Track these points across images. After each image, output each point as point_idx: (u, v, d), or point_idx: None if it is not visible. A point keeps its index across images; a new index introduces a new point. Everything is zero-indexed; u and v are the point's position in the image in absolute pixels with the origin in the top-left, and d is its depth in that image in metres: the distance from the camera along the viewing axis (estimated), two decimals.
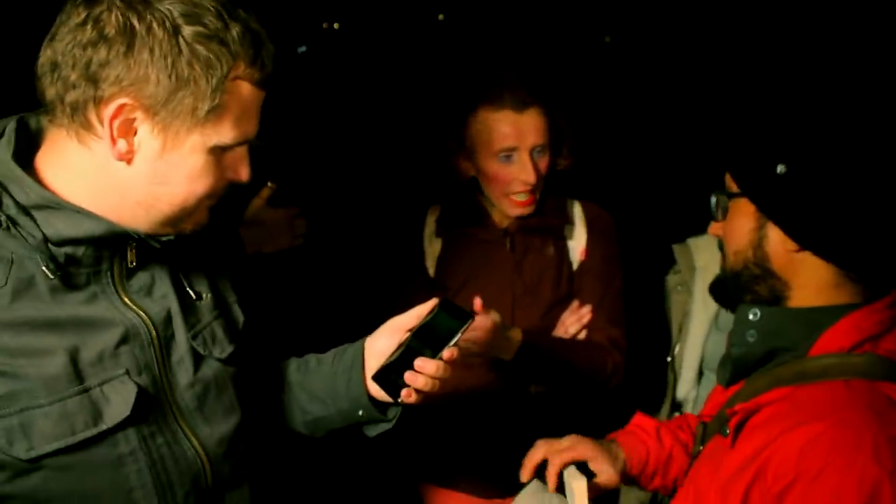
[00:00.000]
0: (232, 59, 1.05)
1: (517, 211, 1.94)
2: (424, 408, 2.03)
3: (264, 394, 1.41)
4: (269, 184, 2.08)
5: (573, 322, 1.98)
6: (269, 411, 1.45)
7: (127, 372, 1.13)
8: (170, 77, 1.02)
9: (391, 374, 1.30)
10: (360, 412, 1.38)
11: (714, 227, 1.29)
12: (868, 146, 1.09)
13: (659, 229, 2.36)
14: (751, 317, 1.17)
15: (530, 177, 1.86)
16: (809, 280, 1.16)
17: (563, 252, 2.01)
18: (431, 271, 2.01)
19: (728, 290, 1.25)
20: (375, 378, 1.31)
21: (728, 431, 1.15)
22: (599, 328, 1.97)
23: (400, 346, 1.32)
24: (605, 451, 1.49)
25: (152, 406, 1.15)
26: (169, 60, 1.01)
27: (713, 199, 1.26)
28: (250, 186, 2.09)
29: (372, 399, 1.37)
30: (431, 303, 1.35)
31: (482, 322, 1.72)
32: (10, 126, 1.11)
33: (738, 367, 1.21)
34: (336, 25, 5.70)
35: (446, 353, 1.30)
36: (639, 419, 1.57)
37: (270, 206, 1.99)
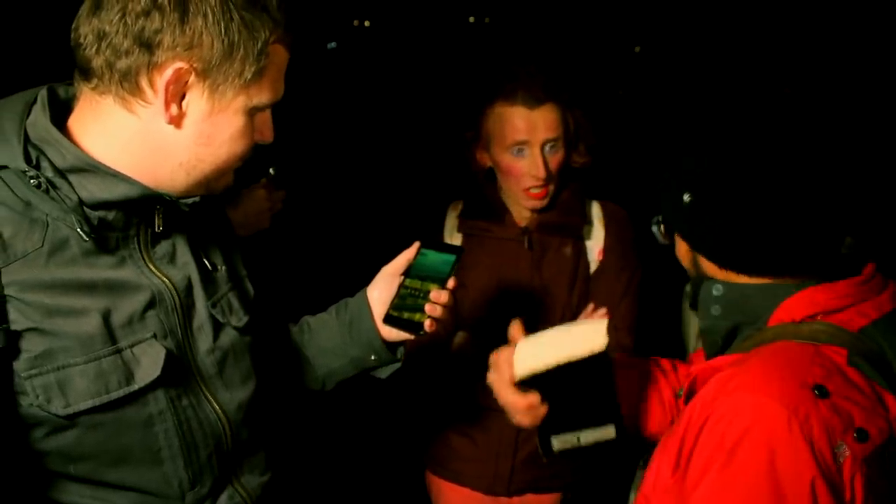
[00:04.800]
0: (273, 25, 1.10)
1: (531, 203, 1.95)
2: (436, 403, 2.07)
3: (276, 361, 1.47)
4: (270, 170, 2.13)
5: None
6: (282, 376, 1.50)
7: (154, 335, 1.16)
8: (223, 42, 1.06)
9: (403, 314, 1.41)
10: (373, 356, 1.48)
11: None
12: (764, 171, 1.10)
13: None
14: (714, 292, 1.21)
15: (540, 171, 1.87)
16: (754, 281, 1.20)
17: (581, 252, 2.01)
18: None
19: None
20: (388, 320, 1.42)
21: (681, 393, 1.21)
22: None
23: (400, 287, 1.43)
24: None
25: (178, 369, 1.18)
26: (222, 26, 1.05)
27: (653, 228, 1.30)
28: (252, 171, 2.15)
29: (383, 342, 1.47)
30: (415, 246, 1.48)
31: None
32: (42, 93, 1.13)
33: (708, 342, 1.24)
34: (367, 23, 5.75)
35: (450, 282, 1.41)
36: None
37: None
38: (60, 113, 1.14)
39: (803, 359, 1.07)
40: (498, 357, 1.42)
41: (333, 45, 5.84)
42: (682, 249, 1.26)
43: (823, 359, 1.07)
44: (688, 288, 2.23)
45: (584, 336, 1.33)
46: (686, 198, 1.15)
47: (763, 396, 1.02)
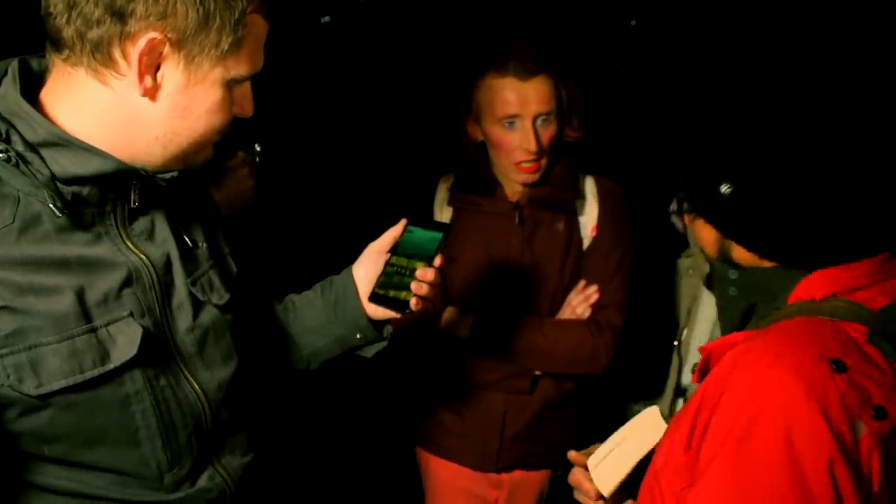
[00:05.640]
0: None
1: (522, 178, 1.92)
2: (426, 379, 2.06)
3: (258, 339, 1.44)
4: (256, 146, 2.10)
5: (580, 302, 1.97)
6: (265, 355, 1.48)
7: (131, 314, 1.13)
8: (198, 11, 1.03)
9: (389, 292, 1.40)
10: (359, 335, 1.47)
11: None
12: (808, 158, 1.07)
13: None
14: (730, 276, 1.20)
15: (531, 145, 1.85)
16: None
17: (574, 228, 1.99)
18: None
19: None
20: (373, 299, 1.41)
21: (694, 370, 1.19)
22: (595, 307, 1.97)
23: (386, 265, 1.42)
24: None
25: (156, 348, 1.16)
26: None
27: (672, 218, 1.26)
28: (238, 147, 2.12)
29: (369, 320, 1.45)
30: (401, 223, 1.44)
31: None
32: (13, 65, 1.10)
33: (725, 317, 1.23)
34: None
35: (437, 260, 1.40)
36: None
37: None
38: (33, 86, 1.10)
39: (820, 333, 1.05)
40: (578, 481, 1.44)
41: (327, 19, 5.77)
42: (708, 237, 1.21)
43: (841, 334, 1.05)
44: (679, 263, 2.23)
45: (647, 429, 1.36)
46: (724, 189, 1.11)
47: (779, 371, 0.99)
